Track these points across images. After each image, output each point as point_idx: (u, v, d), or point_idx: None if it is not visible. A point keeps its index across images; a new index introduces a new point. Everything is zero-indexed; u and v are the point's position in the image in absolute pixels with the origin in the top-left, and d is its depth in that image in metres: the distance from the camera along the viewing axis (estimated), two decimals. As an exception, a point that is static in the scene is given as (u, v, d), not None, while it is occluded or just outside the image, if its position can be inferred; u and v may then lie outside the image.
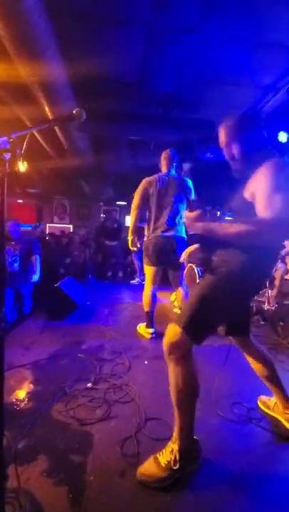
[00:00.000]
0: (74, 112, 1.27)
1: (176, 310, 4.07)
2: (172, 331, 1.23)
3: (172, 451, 1.24)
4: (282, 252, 3.90)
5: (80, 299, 3.81)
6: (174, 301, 4.45)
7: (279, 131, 4.57)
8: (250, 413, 1.70)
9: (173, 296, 4.63)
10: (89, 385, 1.92)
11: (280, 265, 3.91)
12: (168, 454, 1.24)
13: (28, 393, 1.87)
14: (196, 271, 4.12)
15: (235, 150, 1.32)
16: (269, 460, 1.40)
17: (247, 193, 1.23)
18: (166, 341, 1.24)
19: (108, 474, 1.26)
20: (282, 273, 3.94)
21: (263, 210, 1.10)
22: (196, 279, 4.06)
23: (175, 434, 1.27)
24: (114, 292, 5.14)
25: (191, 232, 1.30)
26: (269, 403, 1.67)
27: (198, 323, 1.21)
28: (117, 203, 10.28)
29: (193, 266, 4.26)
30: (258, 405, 1.75)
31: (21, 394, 1.85)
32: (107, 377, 2.04)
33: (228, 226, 1.17)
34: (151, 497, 1.17)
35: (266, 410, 1.68)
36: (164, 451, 1.27)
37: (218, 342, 2.44)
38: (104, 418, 1.61)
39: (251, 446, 1.47)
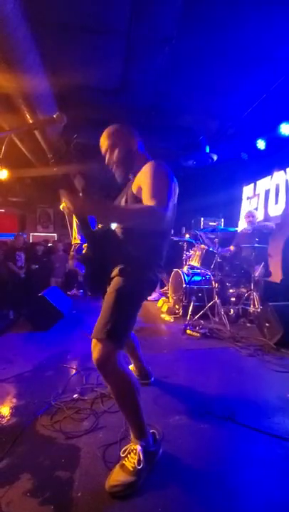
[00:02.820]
0: (54, 116, 1.25)
1: (164, 316, 4.06)
2: (98, 346, 1.23)
3: (135, 451, 1.26)
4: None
5: (66, 308, 3.73)
6: (162, 306, 4.44)
7: (257, 139, 4.74)
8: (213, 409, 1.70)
9: (160, 302, 4.63)
10: (75, 395, 1.85)
11: (259, 268, 4.00)
12: (132, 457, 1.25)
13: (10, 408, 1.78)
14: (182, 275, 4.14)
15: (118, 154, 1.44)
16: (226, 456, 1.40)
17: (134, 188, 1.36)
18: (96, 357, 1.21)
19: (96, 489, 1.21)
20: (261, 274, 4.03)
21: (149, 199, 1.22)
22: (182, 284, 4.08)
23: (133, 435, 1.31)
24: (102, 301, 5.06)
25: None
26: None
27: (119, 328, 1.26)
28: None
29: (180, 271, 4.28)
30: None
31: (3, 410, 1.76)
32: (94, 386, 1.98)
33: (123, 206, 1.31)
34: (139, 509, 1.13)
35: None
36: (128, 455, 1.27)
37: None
38: (92, 429, 1.55)
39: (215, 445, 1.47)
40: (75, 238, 4.90)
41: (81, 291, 5.20)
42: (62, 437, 1.50)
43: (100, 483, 1.23)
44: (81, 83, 3.77)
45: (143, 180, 1.30)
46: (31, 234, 9.95)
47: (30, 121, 3.82)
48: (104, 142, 1.47)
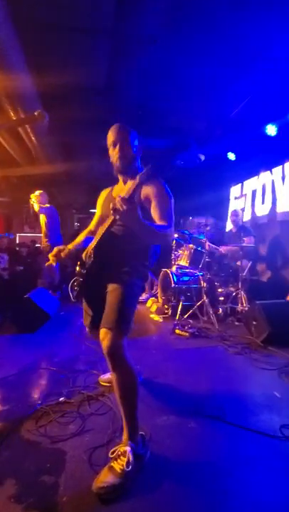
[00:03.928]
0: (36, 113, 1.23)
1: (153, 316, 4.05)
2: (108, 335, 1.31)
3: (125, 453, 1.25)
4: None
5: (53, 310, 3.67)
6: (150, 307, 4.44)
7: (244, 140, 4.81)
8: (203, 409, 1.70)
9: (149, 302, 4.62)
10: (62, 399, 1.82)
11: (246, 267, 4.05)
12: (122, 459, 1.24)
13: (-6, 413, 1.73)
14: (170, 275, 4.15)
15: (131, 152, 1.54)
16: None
17: (142, 197, 1.48)
18: (108, 344, 1.30)
19: (82, 493, 1.18)
20: (249, 274, 4.08)
21: (163, 219, 1.42)
22: (171, 284, 4.09)
23: (125, 435, 1.32)
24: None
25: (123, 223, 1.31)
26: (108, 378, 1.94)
27: (127, 318, 1.38)
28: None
29: (168, 271, 4.29)
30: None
31: (-13, 415, 1.71)
32: (81, 389, 1.95)
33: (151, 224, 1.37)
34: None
35: (105, 384, 1.99)
36: (117, 457, 1.26)
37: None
38: (78, 433, 1.53)
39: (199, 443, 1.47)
40: (44, 240, 4.85)
41: (58, 292, 5.10)
42: (48, 441, 1.47)
43: (86, 486, 1.20)
44: (67, 82, 3.72)
45: (153, 196, 1.47)
46: (18, 235, 9.78)
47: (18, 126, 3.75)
48: (119, 131, 1.53)
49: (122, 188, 1.58)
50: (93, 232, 1.69)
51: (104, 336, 1.32)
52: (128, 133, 1.54)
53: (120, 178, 1.64)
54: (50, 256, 1.59)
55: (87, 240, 1.63)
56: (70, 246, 1.62)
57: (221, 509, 1.15)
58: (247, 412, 1.76)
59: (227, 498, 1.19)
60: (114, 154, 1.54)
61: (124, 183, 1.61)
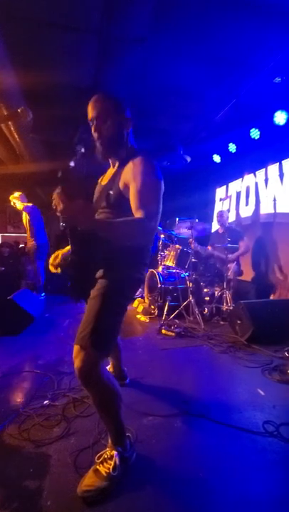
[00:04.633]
0: (19, 110, 1.20)
1: (140, 316, 4.05)
2: (81, 354, 1.13)
3: (112, 457, 1.23)
4: (233, 256, 4.12)
5: (37, 311, 3.60)
6: (137, 307, 4.44)
7: (229, 143, 4.90)
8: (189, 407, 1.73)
9: (136, 303, 4.62)
10: (46, 402, 1.79)
11: (232, 266, 4.12)
12: (108, 462, 1.22)
13: (-25, 419, 1.68)
14: (157, 276, 4.16)
15: (110, 129, 1.24)
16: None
17: (121, 184, 1.22)
18: (78, 366, 1.12)
19: (67, 497, 1.17)
20: (235, 274, 4.15)
21: (137, 208, 1.11)
22: (157, 284, 4.10)
23: (111, 441, 1.27)
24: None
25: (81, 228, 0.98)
26: None
27: (105, 335, 1.18)
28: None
29: (155, 271, 4.30)
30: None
31: None
32: (66, 391, 1.92)
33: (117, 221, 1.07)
34: (114, 514, 1.11)
35: None
36: (104, 461, 1.24)
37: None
38: (63, 436, 1.50)
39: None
40: (29, 240, 4.78)
41: (43, 293, 5.00)
42: (32, 446, 1.44)
43: (71, 490, 1.19)
44: (53, 80, 3.67)
45: (131, 180, 1.16)
46: (1, 234, 9.54)
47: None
48: (97, 105, 1.24)
49: (110, 173, 1.36)
50: None
51: (76, 355, 1.13)
52: (109, 104, 1.24)
53: (110, 161, 1.39)
54: (51, 266, 1.39)
55: None
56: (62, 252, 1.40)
57: (205, 507, 1.16)
58: (231, 410, 1.79)
59: (211, 496, 1.20)
60: (94, 135, 1.27)
61: (113, 166, 1.36)
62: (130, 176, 1.18)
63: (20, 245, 7.06)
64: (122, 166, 1.21)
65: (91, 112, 1.25)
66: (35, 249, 4.69)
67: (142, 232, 1.09)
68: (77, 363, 1.13)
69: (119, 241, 1.10)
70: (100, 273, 1.25)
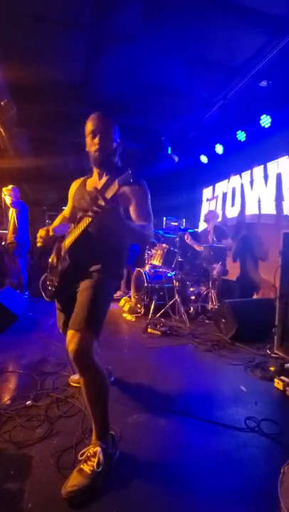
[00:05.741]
0: (2, 103, 1.16)
1: (126, 315, 4.04)
2: (76, 337, 1.21)
3: (95, 454, 1.24)
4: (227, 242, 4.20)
5: (20, 310, 3.51)
6: (123, 306, 4.42)
7: (216, 144, 4.96)
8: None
9: (122, 302, 4.60)
10: (28, 402, 1.75)
11: (217, 266, 4.18)
12: (92, 460, 1.23)
13: None
14: (143, 275, 4.16)
15: (112, 146, 1.47)
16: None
17: (120, 195, 1.38)
18: (74, 348, 1.19)
19: (49, 498, 1.15)
20: (220, 273, 4.21)
21: (144, 218, 1.41)
22: (144, 283, 4.10)
23: (95, 436, 1.29)
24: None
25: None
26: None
27: (98, 319, 1.32)
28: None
29: (141, 270, 4.30)
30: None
31: None
32: (50, 391, 1.89)
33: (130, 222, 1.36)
34: (97, 514, 1.10)
35: (75, 384, 1.95)
36: (87, 459, 1.24)
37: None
38: (46, 437, 1.48)
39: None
40: (10, 237, 4.68)
41: (26, 291, 4.89)
42: (13, 447, 1.40)
43: (53, 491, 1.17)
44: (40, 75, 3.59)
45: (133, 196, 1.43)
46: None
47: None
48: (104, 121, 1.45)
49: (97, 183, 1.51)
50: (69, 220, 1.73)
51: (71, 339, 1.21)
52: (111, 125, 1.46)
53: (95, 170, 1.55)
54: (38, 237, 1.55)
55: (64, 227, 1.60)
56: (51, 228, 1.57)
57: (188, 502, 1.17)
58: (215, 407, 1.82)
59: (194, 492, 1.21)
60: (92, 144, 1.45)
61: (100, 177, 1.53)
62: (130, 191, 1.43)
63: (3, 243, 6.86)
64: (111, 178, 1.38)
65: (93, 126, 1.44)
66: (14, 247, 4.60)
67: (146, 235, 1.38)
68: (72, 345, 1.20)
69: (132, 239, 1.52)
70: (92, 268, 1.42)
